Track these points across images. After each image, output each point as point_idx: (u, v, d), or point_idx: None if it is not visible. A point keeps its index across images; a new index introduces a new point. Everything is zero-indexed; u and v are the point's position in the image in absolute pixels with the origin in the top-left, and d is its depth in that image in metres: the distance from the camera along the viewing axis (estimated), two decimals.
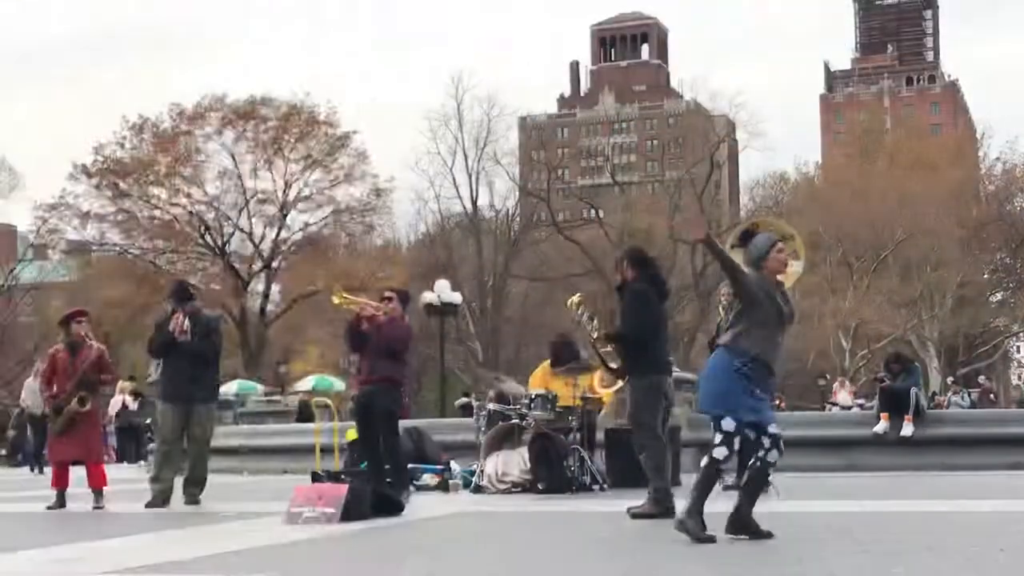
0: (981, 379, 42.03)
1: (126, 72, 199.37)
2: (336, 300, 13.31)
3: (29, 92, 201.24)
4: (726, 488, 12.53)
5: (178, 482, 12.61)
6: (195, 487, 12.56)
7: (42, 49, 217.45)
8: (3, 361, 60.57)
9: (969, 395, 32.03)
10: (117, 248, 58.56)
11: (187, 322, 12.38)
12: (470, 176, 67.36)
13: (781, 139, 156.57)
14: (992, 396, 34.16)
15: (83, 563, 7.31)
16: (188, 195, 58.25)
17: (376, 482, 11.63)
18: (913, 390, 17.28)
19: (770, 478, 8.10)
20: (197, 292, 14.46)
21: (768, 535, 7.61)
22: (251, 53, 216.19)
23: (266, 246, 59.00)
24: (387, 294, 12.90)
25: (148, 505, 12.17)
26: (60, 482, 12.54)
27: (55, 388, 12.58)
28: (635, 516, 9.64)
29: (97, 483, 12.42)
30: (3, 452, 39.28)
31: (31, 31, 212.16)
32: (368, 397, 12.57)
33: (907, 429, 17.10)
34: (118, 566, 7.00)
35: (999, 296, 68.36)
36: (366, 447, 12.94)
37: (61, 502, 12.34)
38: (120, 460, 27.41)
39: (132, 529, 9.68)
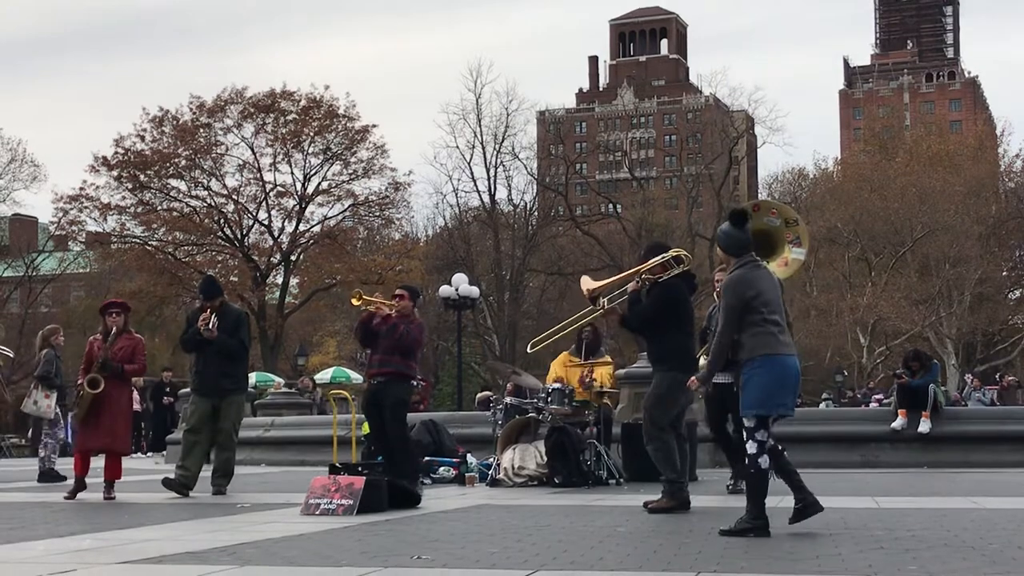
0: (999, 375, 41.75)
1: (144, 63, 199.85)
2: (355, 301, 13.52)
3: (45, 81, 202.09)
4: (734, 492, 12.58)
5: (205, 472, 12.76)
6: (223, 478, 12.76)
7: (59, 38, 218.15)
8: (24, 351, 60.79)
9: (988, 392, 31.80)
10: (137, 240, 58.68)
11: (213, 318, 12.53)
12: (488, 170, 67.46)
13: (800, 134, 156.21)
14: (1021, 387, 33.88)
15: (101, 553, 7.35)
16: (207, 188, 58.38)
17: (393, 474, 11.67)
18: (931, 387, 17.24)
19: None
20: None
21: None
22: (272, 46, 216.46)
23: (285, 239, 59.08)
24: (398, 292, 13.22)
25: (165, 481, 12.32)
26: (82, 470, 12.60)
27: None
28: (652, 511, 9.65)
29: (112, 474, 12.46)
30: (23, 441, 39.47)
31: (44, 21, 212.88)
32: (377, 390, 12.71)
33: (924, 426, 17.07)
34: (136, 555, 7.04)
35: (1017, 293, 67.99)
36: (378, 439, 13.03)
37: (80, 488, 12.42)
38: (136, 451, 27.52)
39: (149, 519, 9.73)
